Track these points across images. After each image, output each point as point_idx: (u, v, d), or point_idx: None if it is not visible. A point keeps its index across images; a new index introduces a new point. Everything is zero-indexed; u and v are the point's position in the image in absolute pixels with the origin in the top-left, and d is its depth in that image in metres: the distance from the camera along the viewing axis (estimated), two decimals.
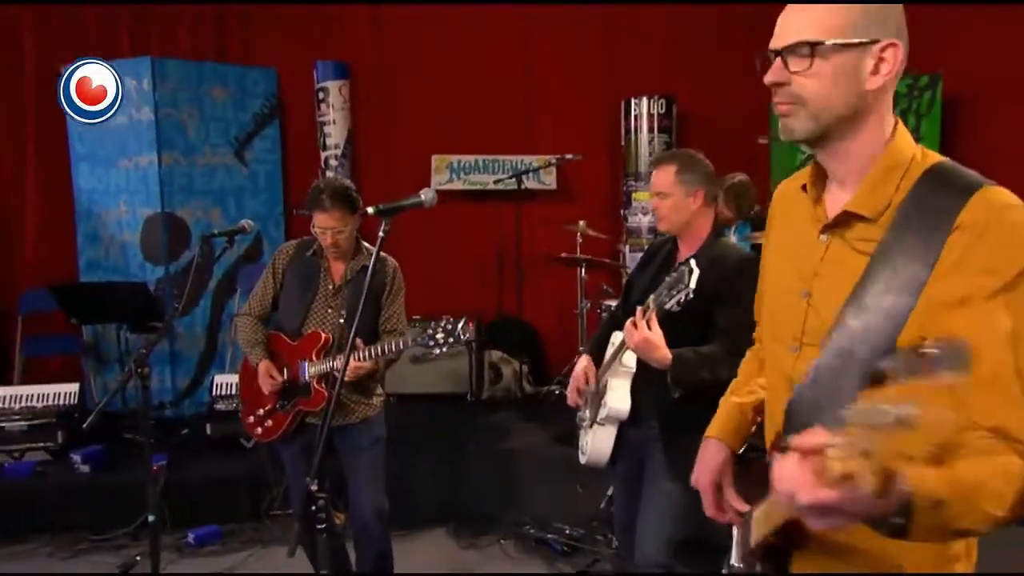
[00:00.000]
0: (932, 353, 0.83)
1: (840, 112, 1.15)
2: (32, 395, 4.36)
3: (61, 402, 4.35)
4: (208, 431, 4.34)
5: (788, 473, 0.93)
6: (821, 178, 1.25)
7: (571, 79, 5.71)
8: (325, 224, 2.68)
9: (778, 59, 1.16)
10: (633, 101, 5.46)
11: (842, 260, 1.19)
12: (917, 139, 1.23)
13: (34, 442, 4.17)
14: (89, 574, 3.53)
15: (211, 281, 5.19)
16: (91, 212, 5.13)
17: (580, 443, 2.56)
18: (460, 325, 2.60)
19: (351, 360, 2.38)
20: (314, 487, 2.01)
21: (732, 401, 1.55)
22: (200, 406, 4.84)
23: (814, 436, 0.92)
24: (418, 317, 4.73)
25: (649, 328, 2.06)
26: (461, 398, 4.99)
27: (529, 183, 5.37)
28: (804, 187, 1.28)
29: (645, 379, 2.28)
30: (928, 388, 0.81)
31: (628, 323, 2.14)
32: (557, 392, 4.87)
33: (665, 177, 2.37)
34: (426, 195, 2.17)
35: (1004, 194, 1.09)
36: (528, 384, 5.15)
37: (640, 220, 5.39)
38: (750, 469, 1.46)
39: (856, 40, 1.11)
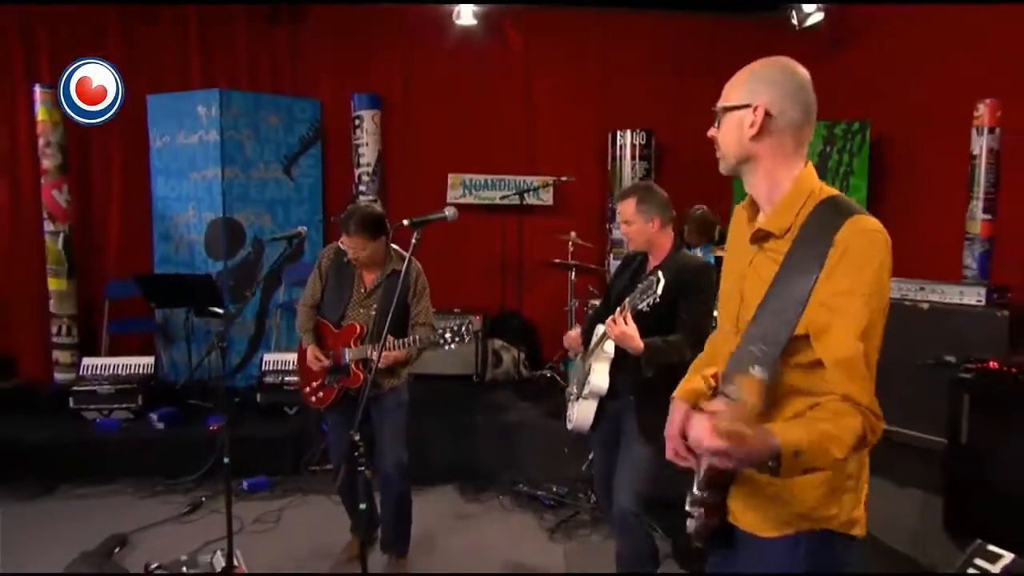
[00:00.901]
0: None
1: (736, 154, 1.35)
2: (117, 365, 4.50)
3: (140, 371, 4.47)
4: (258, 399, 4.44)
5: (696, 427, 1.16)
6: (755, 202, 1.40)
7: (566, 113, 5.78)
8: (347, 243, 2.82)
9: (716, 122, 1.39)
10: (619, 133, 5.54)
11: (761, 266, 1.32)
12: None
13: (119, 403, 4.31)
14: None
15: (260, 276, 5.29)
16: (165, 216, 5.25)
17: (568, 413, 2.66)
18: (464, 327, 2.75)
19: (383, 351, 2.48)
20: (356, 437, 2.07)
21: (694, 373, 1.61)
22: (251, 379, 4.95)
23: (715, 404, 1.22)
24: (434, 310, 4.88)
25: (625, 323, 2.19)
26: (468, 379, 5.02)
27: (530, 199, 5.44)
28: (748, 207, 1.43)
29: (622, 362, 2.40)
30: (746, 382, 1.16)
31: (609, 320, 2.26)
32: (549, 376, 4.90)
33: (628, 208, 2.47)
34: (449, 212, 2.27)
35: (869, 221, 1.22)
36: (524, 368, 5.18)
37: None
38: None
39: (736, 104, 1.32)
